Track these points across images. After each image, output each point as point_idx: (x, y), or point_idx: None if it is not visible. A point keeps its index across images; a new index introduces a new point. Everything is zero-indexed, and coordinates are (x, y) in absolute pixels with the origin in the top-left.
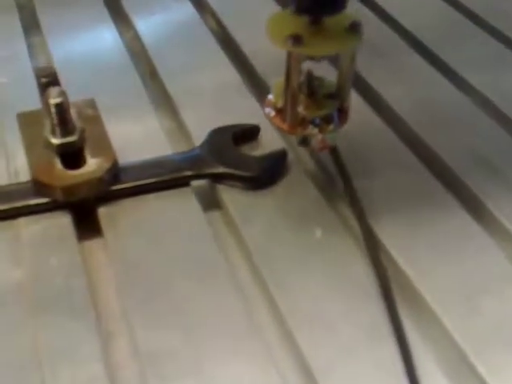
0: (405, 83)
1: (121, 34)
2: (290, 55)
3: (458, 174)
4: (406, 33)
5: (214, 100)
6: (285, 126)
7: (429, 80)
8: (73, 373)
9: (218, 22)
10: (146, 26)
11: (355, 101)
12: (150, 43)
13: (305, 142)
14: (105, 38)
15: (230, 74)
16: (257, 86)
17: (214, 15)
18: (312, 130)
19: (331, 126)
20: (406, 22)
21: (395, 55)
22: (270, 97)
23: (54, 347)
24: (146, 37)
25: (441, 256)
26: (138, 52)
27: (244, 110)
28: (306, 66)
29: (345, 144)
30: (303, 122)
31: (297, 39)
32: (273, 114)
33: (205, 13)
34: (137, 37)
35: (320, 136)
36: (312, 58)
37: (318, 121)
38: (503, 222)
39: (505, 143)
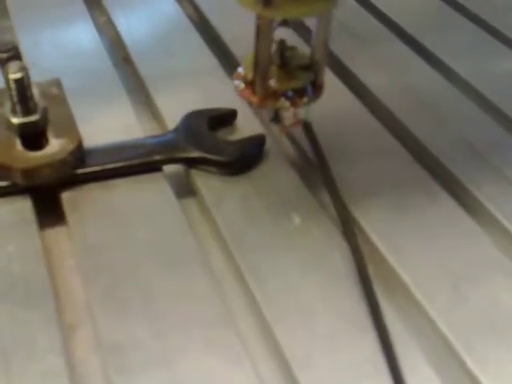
0: (388, 70)
1: (94, 19)
2: (259, 19)
3: (442, 160)
4: (389, 21)
5: (190, 84)
6: (255, 99)
7: (413, 67)
8: (27, 367)
9: (196, 8)
10: (121, 11)
11: (338, 88)
12: (124, 28)
13: (277, 117)
14: (78, 23)
15: (207, 58)
16: (235, 71)
17: (191, 0)
18: (284, 104)
19: (304, 99)
20: (390, 10)
21: (379, 43)
22: (240, 69)
23: (6, 339)
24: (120, 22)
25: (424, 242)
26: (111, 37)
27: (221, 94)
28: (279, 34)
29: (327, 131)
30: (274, 95)
31: (267, 1)
32: (242, 86)
33: None
34: (111, 22)
35: (292, 110)
36: (283, 23)
37: (290, 93)
38: (489, 208)
39: (489, 129)
